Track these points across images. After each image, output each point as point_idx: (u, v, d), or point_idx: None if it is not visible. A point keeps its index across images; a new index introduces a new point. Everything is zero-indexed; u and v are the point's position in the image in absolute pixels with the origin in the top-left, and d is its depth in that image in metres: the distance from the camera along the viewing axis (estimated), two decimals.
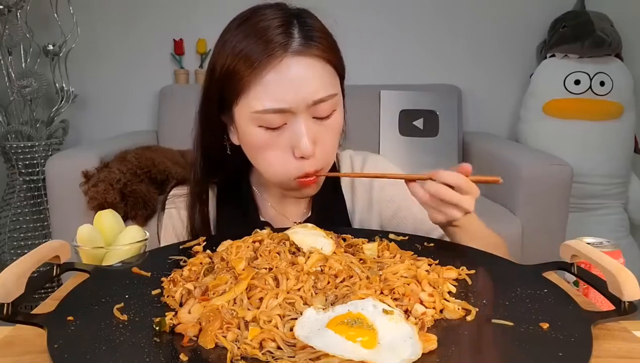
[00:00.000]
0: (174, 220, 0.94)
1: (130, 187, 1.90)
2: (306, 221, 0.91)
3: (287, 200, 0.93)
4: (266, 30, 0.74)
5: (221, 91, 0.79)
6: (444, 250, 0.73)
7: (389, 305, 0.52)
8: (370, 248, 0.71)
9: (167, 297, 0.58)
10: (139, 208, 1.88)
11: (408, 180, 0.78)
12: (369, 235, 0.78)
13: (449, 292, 0.59)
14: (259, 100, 0.74)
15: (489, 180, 0.78)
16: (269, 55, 0.73)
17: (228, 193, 0.94)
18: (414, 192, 0.77)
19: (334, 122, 0.79)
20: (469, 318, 0.54)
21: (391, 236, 0.79)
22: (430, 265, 0.66)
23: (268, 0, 0.81)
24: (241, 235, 0.72)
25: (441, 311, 0.55)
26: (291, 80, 0.74)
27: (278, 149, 0.77)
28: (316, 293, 0.57)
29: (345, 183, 0.95)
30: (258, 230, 0.74)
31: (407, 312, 0.54)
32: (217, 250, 0.70)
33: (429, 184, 0.75)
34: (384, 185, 0.95)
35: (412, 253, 0.70)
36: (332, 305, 0.54)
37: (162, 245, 0.90)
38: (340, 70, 0.81)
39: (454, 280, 0.63)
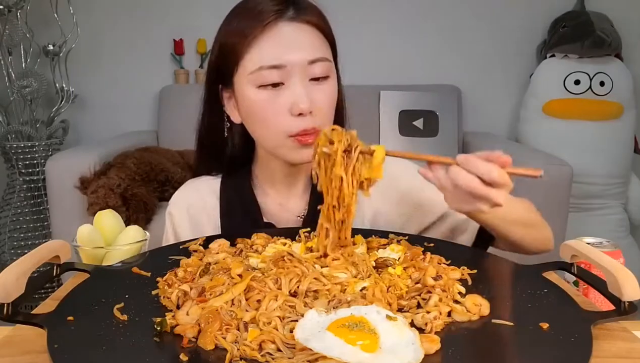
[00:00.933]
0: (174, 219, 0.95)
1: (131, 190, 1.90)
2: (305, 217, 0.90)
3: (289, 194, 0.93)
4: (260, 4, 0.80)
5: (220, 66, 0.84)
6: (444, 250, 0.73)
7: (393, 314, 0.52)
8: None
9: (163, 298, 0.58)
10: (140, 211, 1.88)
11: (431, 162, 0.67)
12: (368, 235, 0.78)
13: (460, 293, 0.59)
14: (255, 62, 0.79)
15: (529, 173, 0.63)
16: (262, 21, 0.78)
17: (230, 192, 0.94)
18: (435, 175, 0.67)
19: (329, 87, 0.83)
20: (484, 312, 0.54)
21: (391, 236, 0.79)
22: (439, 264, 0.66)
23: None
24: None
25: (449, 314, 0.55)
26: (286, 41, 0.79)
27: (276, 108, 0.80)
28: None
29: None
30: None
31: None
32: (210, 247, 0.72)
33: (455, 171, 0.64)
34: (387, 187, 0.89)
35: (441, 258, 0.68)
36: (334, 308, 0.54)
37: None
38: (332, 42, 0.85)
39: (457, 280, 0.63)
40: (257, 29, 0.78)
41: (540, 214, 0.89)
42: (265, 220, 0.92)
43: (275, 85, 0.79)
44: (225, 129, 0.89)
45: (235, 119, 0.87)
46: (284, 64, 0.78)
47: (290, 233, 0.79)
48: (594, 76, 2.45)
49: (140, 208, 1.88)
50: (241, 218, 0.91)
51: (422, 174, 0.69)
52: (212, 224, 0.93)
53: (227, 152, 0.92)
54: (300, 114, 0.79)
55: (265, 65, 0.78)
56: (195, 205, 0.94)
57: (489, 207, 0.65)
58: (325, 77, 0.82)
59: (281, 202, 0.94)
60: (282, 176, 0.92)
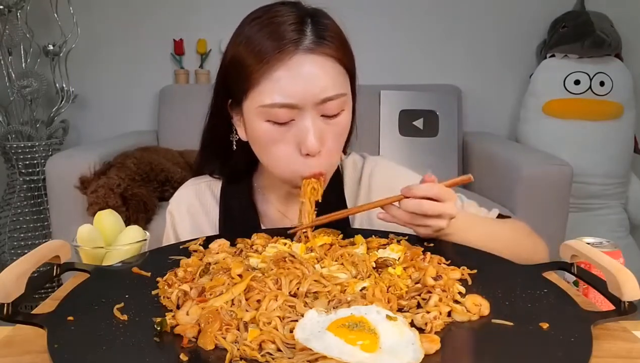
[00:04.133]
0: (174, 218, 0.95)
1: (131, 190, 1.90)
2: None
3: (291, 203, 0.92)
4: (279, 26, 0.75)
5: (229, 84, 0.80)
6: (444, 250, 0.73)
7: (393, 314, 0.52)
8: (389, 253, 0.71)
9: (163, 298, 0.58)
10: (140, 211, 1.87)
11: (383, 206, 0.77)
12: (369, 235, 0.78)
13: (460, 293, 0.59)
14: (268, 95, 0.74)
15: (461, 180, 0.77)
16: (280, 52, 0.73)
17: (230, 199, 0.93)
18: (393, 215, 0.76)
19: (341, 122, 0.79)
20: (484, 312, 0.54)
21: (391, 236, 0.79)
22: (439, 264, 0.66)
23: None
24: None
25: (449, 314, 0.55)
26: (301, 77, 0.74)
27: (285, 145, 0.77)
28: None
29: (348, 186, 0.95)
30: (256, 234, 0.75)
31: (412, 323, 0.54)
32: (210, 247, 0.72)
33: (405, 203, 0.74)
34: (382, 189, 0.92)
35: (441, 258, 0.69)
36: (334, 308, 0.54)
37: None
38: (351, 71, 0.81)
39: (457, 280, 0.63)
40: (273, 58, 0.73)
41: (533, 234, 0.89)
42: (264, 228, 0.91)
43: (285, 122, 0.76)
44: (233, 141, 0.86)
45: (242, 136, 0.84)
46: (297, 104, 0.74)
47: (290, 234, 0.79)
48: (594, 76, 2.45)
49: (140, 208, 1.88)
50: (240, 225, 0.90)
51: (382, 218, 0.78)
52: (211, 225, 0.93)
53: (231, 159, 0.90)
54: (308, 155, 0.76)
55: (277, 103, 0.74)
56: (195, 206, 0.94)
57: (447, 220, 0.75)
58: (338, 113, 0.78)
59: (282, 211, 0.93)
60: (284, 188, 0.91)
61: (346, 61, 0.79)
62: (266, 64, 0.73)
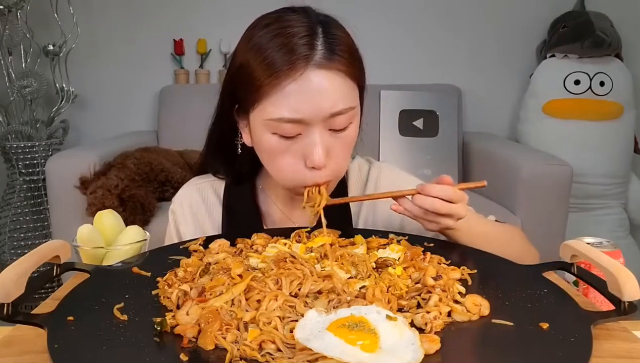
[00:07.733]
0: (176, 216, 0.95)
1: (129, 192, 1.89)
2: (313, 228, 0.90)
3: (295, 204, 0.92)
4: (291, 38, 0.73)
5: (237, 92, 0.79)
6: (444, 250, 0.73)
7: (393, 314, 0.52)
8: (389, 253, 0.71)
9: (163, 298, 0.58)
10: (137, 213, 1.86)
11: (397, 198, 0.79)
12: (369, 235, 0.78)
13: (460, 293, 0.59)
14: (276, 109, 0.74)
15: (475, 185, 0.80)
16: (290, 66, 0.72)
17: (234, 200, 0.94)
18: (406, 207, 0.78)
19: (349, 135, 0.79)
20: (484, 312, 0.54)
21: (391, 236, 0.79)
22: (439, 264, 0.66)
23: (294, 1, 0.80)
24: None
25: (449, 314, 0.55)
26: (310, 92, 0.73)
27: (290, 156, 0.77)
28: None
29: (352, 189, 0.95)
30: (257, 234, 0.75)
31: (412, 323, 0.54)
32: (210, 247, 0.72)
33: (419, 199, 0.76)
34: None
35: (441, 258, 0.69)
36: (334, 308, 0.54)
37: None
38: (361, 83, 0.82)
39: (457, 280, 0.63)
40: (283, 72, 0.72)
41: (526, 239, 0.92)
42: (267, 229, 0.91)
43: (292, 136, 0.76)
44: (238, 144, 0.86)
45: (247, 142, 0.84)
46: (305, 119, 0.74)
47: (290, 234, 0.79)
48: (594, 76, 2.45)
49: (137, 210, 1.86)
50: (243, 225, 0.90)
51: (395, 209, 0.80)
52: (214, 225, 0.94)
53: (235, 161, 0.90)
54: (313, 168, 0.76)
55: (285, 118, 0.73)
56: (198, 204, 0.95)
57: (455, 220, 0.77)
58: (346, 126, 0.78)
59: (285, 212, 0.94)
60: (287, 192, 0.90)
61: (356, 75, 0.79)
62: (276, 78, 0.72)
